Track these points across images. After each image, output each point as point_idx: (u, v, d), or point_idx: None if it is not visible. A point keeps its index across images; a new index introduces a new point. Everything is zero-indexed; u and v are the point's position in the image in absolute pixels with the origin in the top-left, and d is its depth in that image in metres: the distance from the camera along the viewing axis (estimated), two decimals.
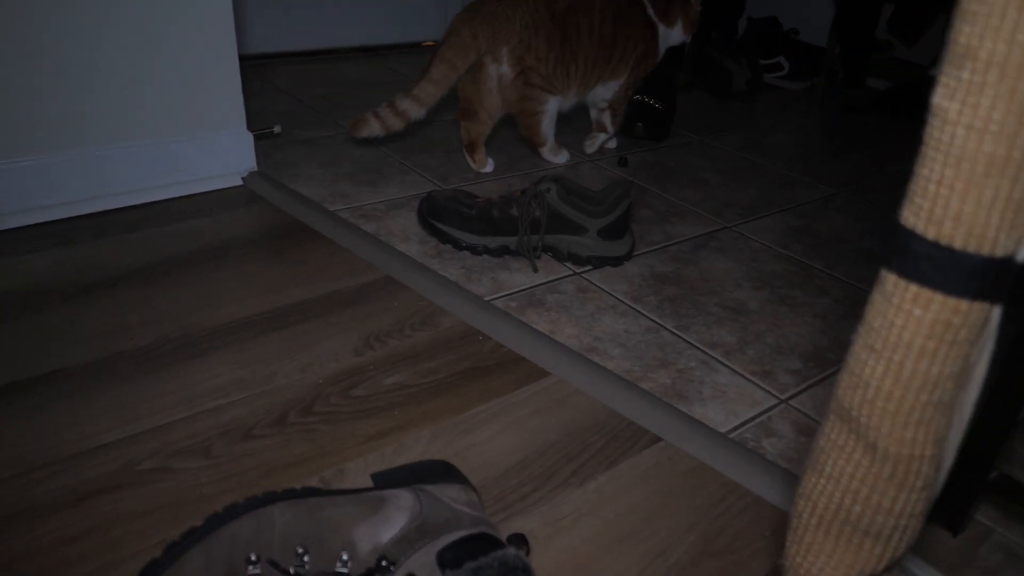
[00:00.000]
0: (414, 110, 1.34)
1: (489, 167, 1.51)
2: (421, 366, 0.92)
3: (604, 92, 1.56)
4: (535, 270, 1.15)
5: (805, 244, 1.34)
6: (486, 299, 1.07)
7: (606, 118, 1.63)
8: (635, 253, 1.23)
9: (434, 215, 1.19)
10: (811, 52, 2.38)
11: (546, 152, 1.57)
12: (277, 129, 1.46)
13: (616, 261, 1.18)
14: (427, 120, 1.57)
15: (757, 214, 1.44)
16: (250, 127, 1.35)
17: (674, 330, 1.04)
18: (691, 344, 1.01)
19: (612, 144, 1.71)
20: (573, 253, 1.18)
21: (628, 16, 1.50)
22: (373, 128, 1.34)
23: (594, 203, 1.18)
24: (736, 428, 0.86)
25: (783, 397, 0.93)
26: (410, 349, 0.95)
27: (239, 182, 1.37)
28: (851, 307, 1.14)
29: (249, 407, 0.83)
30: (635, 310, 1.08)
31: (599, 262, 1.18)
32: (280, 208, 1.29)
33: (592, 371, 0.93)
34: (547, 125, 1.50)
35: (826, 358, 1.01)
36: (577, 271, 1.17)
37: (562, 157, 1.59)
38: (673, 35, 1.59)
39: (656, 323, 1.05)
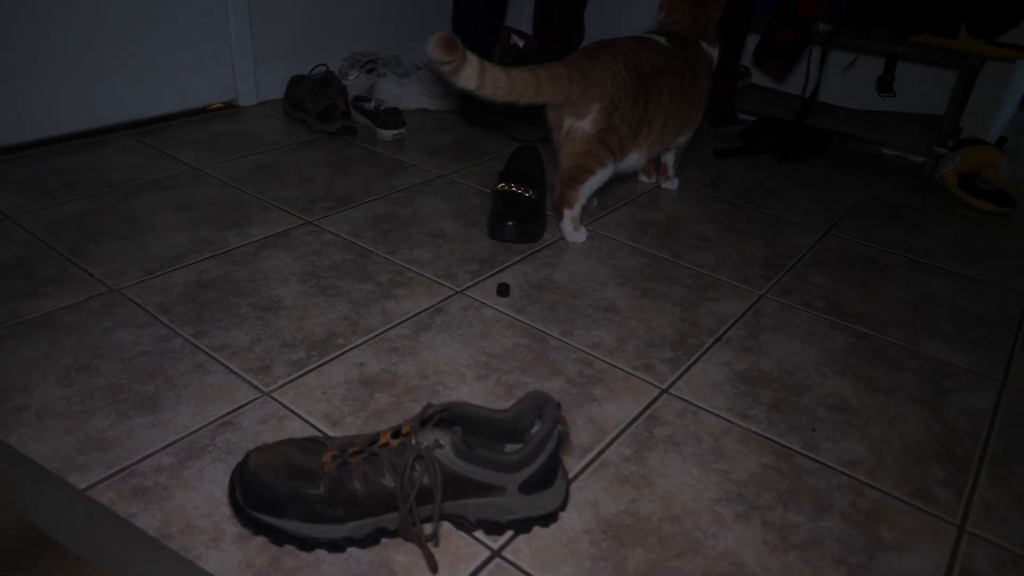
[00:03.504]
0: (494, 82, 1.22)
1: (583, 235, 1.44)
2: None
3: (683, 140, 1.59)
4: (433, 569, 0.74)
5: (766, 404, 1.03)
6: None
7: (669, 158, 1.67)
8: (569, 484, 0.85)
9: (258, 505, 0.74)
10: None
11: (569, 216, 1.40)
12: None
13: (547, 520, 0.80)
14: (215, 253, 1.11)
15: (690, 354, 1.12)
16: None
17: None
18: None
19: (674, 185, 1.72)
20: (486, 520, 0.78)
21: (696, 62, 1.48)
22: (471, 74, 1.21)
23: (507, 437, 0.79)
24: None
25: None
26: None
27: None
28: (886, 549, 0.83)
29: None
30: None
31: (523, 525, 0.79)
32: None
33: None
34: (589, 188, 1.38)
35: None
36: (494, 548, 0.77)
37: (581, 236, 1.42)
38: (716, 53, 1.56)
39: None
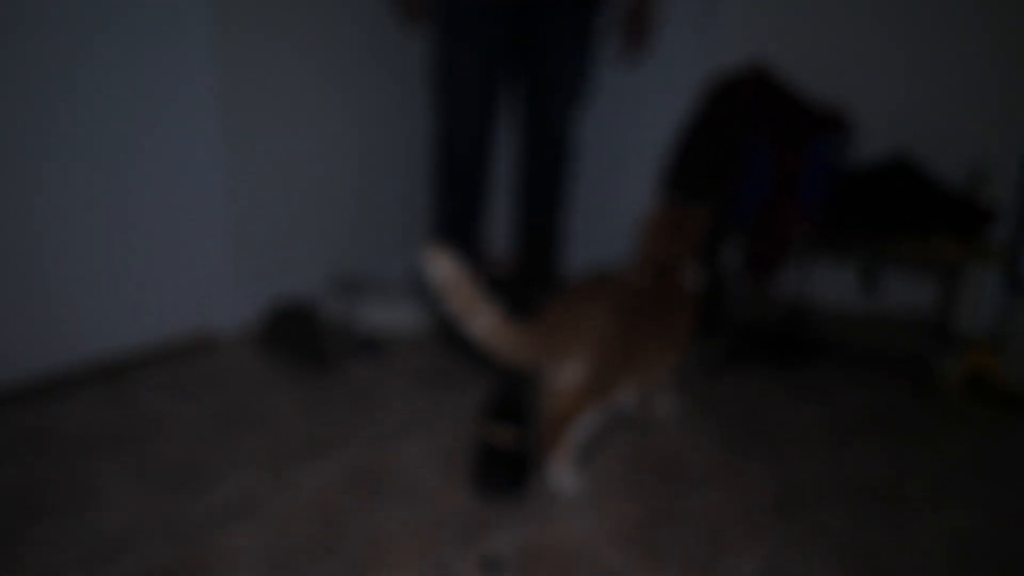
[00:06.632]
0: None
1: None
2: None
3: (674, 362, 1.51)
4: None
5: None
6: None
7: (659, 387, 1.55)
8: None
9: None
10: None
11: (556, 463, 1.28)
12: None
13: None
14: (168, 531, 0.95)
15: None
16: None
17: None
18: None
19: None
20: None
21: (677, 292, 1.43)
22: None
23: None
24: None
25: None
26: None
27: None
28: None
29: None
30: None
31: None
32: None
33: None
34: (575, 433, 1.28)
35: None
36: None
37: (571, 482, 1.29)
38: (698, 277, 1.52)
39: None
